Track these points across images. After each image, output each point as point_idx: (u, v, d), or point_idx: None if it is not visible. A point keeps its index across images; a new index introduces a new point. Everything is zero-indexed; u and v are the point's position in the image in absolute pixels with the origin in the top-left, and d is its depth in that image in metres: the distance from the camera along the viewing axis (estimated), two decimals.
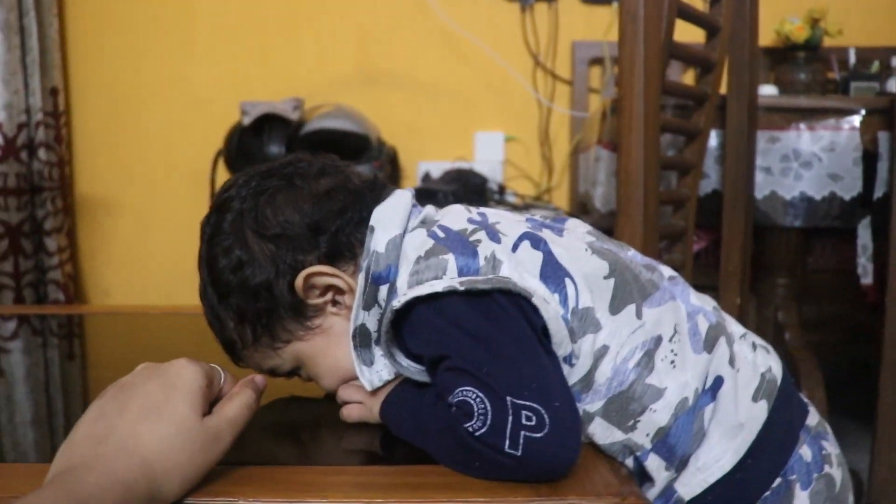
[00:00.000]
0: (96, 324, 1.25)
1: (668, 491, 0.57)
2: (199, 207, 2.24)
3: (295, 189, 0.62)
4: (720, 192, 1.31)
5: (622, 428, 0.56)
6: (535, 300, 0.53)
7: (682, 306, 0.61)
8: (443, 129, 2.15)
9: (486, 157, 2.12)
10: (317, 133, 1.87)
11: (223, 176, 1.95)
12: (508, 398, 0.47)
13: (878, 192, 1.26)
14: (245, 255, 0.61)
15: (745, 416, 0.58)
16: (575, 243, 0.60)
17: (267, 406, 0.64)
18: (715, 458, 0.57)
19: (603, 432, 0.56)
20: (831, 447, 0.63)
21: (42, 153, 2.15)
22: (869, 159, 1.29)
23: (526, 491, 0.45)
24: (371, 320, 0.60)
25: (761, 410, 0.59)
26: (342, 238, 0.61)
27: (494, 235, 0.58)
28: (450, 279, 0.54)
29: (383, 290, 0.58)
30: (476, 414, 0.47)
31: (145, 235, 2.27)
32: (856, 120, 1.30)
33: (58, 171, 2.20)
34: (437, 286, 0.53)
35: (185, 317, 1.15)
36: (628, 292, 0.58)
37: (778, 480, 0.59)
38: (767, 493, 0.58)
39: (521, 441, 0.46)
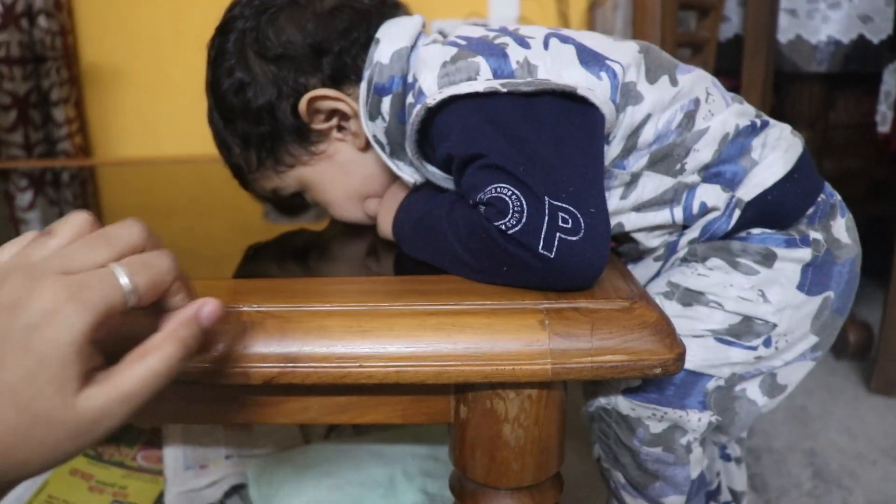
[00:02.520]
0: (110, 186, 1.26)
1: (729, 200, 0.59)
2: None
3: (298, 7, 0.60)
4: (741, 37, 1.25)
5: (671, 173, 0.58)
6: (580, 91, 0.51)
7: (708, 75, 0.62)
8: None
9: (500, 13, 2.05)
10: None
11: None
12: (546, 198, 0.45)
13: None
14: (247, 76, 0.60)
15: (790, 140, 0.61)
16: (599, 38, 0.59)
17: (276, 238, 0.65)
18: (768, 166, 0.59)
19: (653, 184, 0.58)
20: None
21: (42, 21, 2.09)
22: None
23: (535, 295, 0.46)
24: (378, 131, 0.59)
25: (799, 142, 0.62)
26: (347, 59, 0.60)
27: (521, 40, 0.55)
28: (486, 80, 0.51)
29: (385, 103, 0.57)
30: (511, 211, 0.45)
31: (155, 103, 2.24)
32: None
33: (60, 39, 2.15)
34: (477, 86, 0.51)
35: (201, 164, 1.15)
36: (659, 64, 0.58)
37: (822, 197, 0.61)
38: (817, 205, 0.61)
39: (556, 243, 0.44)
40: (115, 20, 2.23)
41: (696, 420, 0.61)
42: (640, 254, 0.66)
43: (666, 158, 0.58)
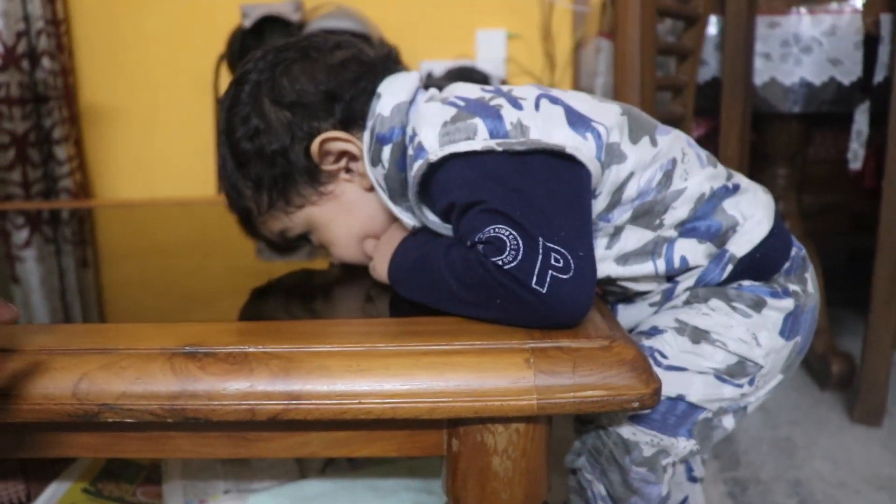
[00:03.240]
0: (107, 226, 1.27)
1: (721, 253, 0.64)
2: (204, 112, 2.25)
3: (311, 60, 0.66)
4: (719, 79, 1.31)
5: (650, 227, 0.62)
6: (568, 150, 0.56)
7: (683, 136, 0.67)
8: (444, 27, 2.13)
9: (488, 55, 2.11)
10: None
11: (226, 79, 1.95)
12: (540, 239, 0.49)
13: (879, 77, 1.26)
14: (262, 123, 0.64)
15: (764, 200, 0.67)
16: (586, 99, 0.63)
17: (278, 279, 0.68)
18: (756, 223, 0.64)
19: (635, 237, 0.62)
20: None
21: (46, 62, 2.14)
22: (870, 43, 1.28)
23: (521, 335, 0.49)
24: (379, 177, 0.64)
25: (771, 201, 0.67)
26: (356, 106, 0.65)
27: (514, 101, 0.59)
28: (483, 140, 0.55)
29: (385, 151, 0.62)
30: (508, 248, 0.49)
31: (151, 141, 2.29)
32: (858, 2, 1.28)
33: (62, 79, 2.20)
34: (475, 145, 0.55)
35: (196, 206, 1.18)
36: (640, 125, 0.63)
37: (795, 250, 0.67)
38: (792, 259, 0.66)
39: (548, 279, 0.48)
40: (112, 61, 2.28)
41: (682, 447, 0.66)
42: (631, 296, 0.70)
43: (647, 214, 0.62)
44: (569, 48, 2.12)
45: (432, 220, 0.62)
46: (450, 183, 0.57)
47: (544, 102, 0.59)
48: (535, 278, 0.48)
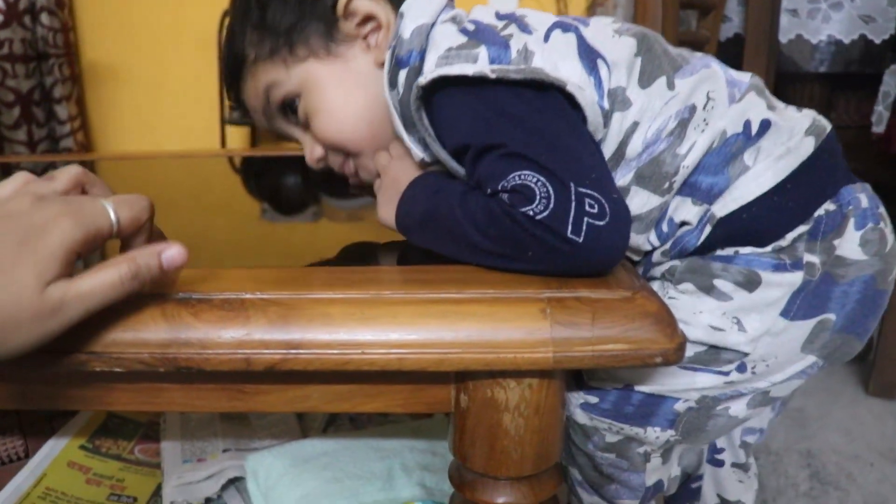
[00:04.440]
0: (109, 179, 1.26)
1: (703, 213, 0.55)
2: (208, 68, 2.20)
3: None
4: (742, 36, 1.26)
5: (658, 192, 0.55)
6: (569, 88, 0.51)
7: (720, 72, 0.57)
8: None
9: (501, 1, 2.06)
10: None
11: None
12: (572, 184, 0.45)
13: None
14: None
15: (794, 143, 0.55)
16: (602, 29, 0.58)
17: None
18: (754, 177, 0.54)
19: (640, 200, 0.55)
20: (886, 216, 0.58)
21: (45, 18, 2.10)
22: None
23: (537, 284, 0.46)
24: (395, 100, 0.60)
25: (809, 143, 0.55)
26: None
27: (525, 27, 0.55)
28: (481, 66, 0.52)
29: (402, 74, 0.58)
30: (538, 197, 0.45)
31: (155, 99, 2.25)
32: None
33: (62, 37, 2.16)
34: (468, 69, 0.51)
35: (197, 159, 1.15)
36: (657, 66, 0.56)
37: (832, 207, 0.54)
38: (818, 220, 0.54)
39: (584, 227, 0.44)
40: (114, 18, 2.23)
41: (654, 437, 0.60)
42: None
43: (654, 174, 0.55)
44: (583, 6, 2.06)
45: (445, 156, 0.57)
46: (457, 120, 0.53)
47: (556, 33, 0.55)
48: (570, 227, 0.44)
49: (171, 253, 0.43)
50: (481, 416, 0.47)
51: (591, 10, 1.99)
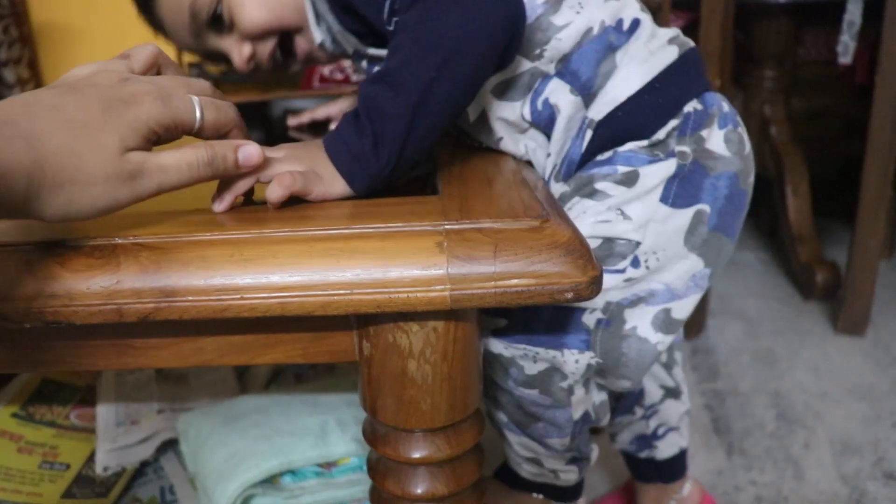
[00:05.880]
0: None
1: (581, 120, 0.57)
2: None
3: None
4: None
5: (529, 56, 0.56)
6: None
7: None
8: None
9: None
10: None
11: None
12: None
13: None
14: None
15: (657, 48, 0.58)
16: None
17: None
18: (622, 79, 0.57)
19: (512, 64, 0.56)
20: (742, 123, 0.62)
21: None
22: None
23: (435, 215, 0.42)
24: None
25: (672, 51, 0.59)
26: None
27: None
28: None
29: None
30: None
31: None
32: None
33: None
34: None
35: None
36: None
37: (699, 106, 0.58)
38: (688, 111, 0.58)
39: None
40: None
41: (573, 362, 0.58)
42: None
43: (528, 40, 0.56)
44: None
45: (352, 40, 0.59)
46: None
47: None
48: None
49: (249, 150, 0.44)
50: (385, 364, 0.44)
51: None
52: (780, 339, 1.36)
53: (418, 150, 0.48)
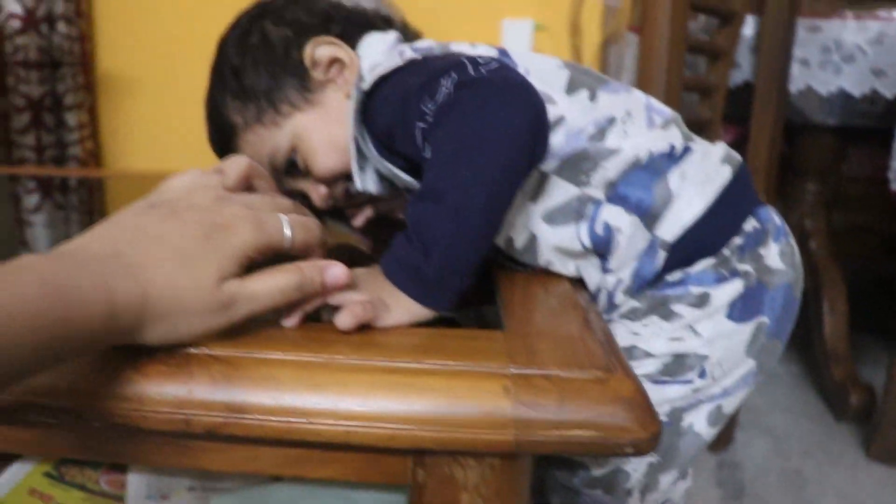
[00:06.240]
0: (116, 196, 1.27)
1: (652, 241, 0.60)
2: None
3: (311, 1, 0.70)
4: (751, 84, 1.23)
5: (576, 182, 0.59)
6: (467, 62, 0.55)
7: (641, 98, 0.63)
8: (469, 13, 2.05)
9: (513, 45, 2.03)
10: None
11: None
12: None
13: None
14: (259, 38, 0.67)
15: (712, 169, 0.61)
16: (527, 54, 0.63)
17: None
18: (686, 203, 0.59)
19: (560, 190, 0.59)
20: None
21: (62, 26, 2.10)
22: None
23: (502, 358, 0.42)
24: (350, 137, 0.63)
25: (726, 171, 0.62)
26: (350, 31, 0.68)
27: (455, 44, 0.63)
28: (407, 55, 0.59)
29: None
30: (441, 87, 0.52)
31: (166, 114, 2.24)
32: None
33: (79, 45, 2.16)
34: (397, 61, 0.59)
35: None
36: (582, 80, 0.61)
37: (755, 224, 0.62)
38: (749, 230, 0.62)
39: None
40: (132, 29, 2.23)
41: (637, 461, 0.63)
42: None
43: (574, 167, 0.59)
44: (597, 43, 2.04)
45: (388, 168, 0.62)
46: (383, 103, 0.59)
47: (482, 46, 0.63)
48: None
49: (336, 272, 0.45)
50: (438, 494, 0.44)
51: (605, 47, 1.98)
52: (809, 460, 1.33)
53: (470, 258, 0.49)
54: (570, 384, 0.41)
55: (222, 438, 0.42)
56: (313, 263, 0.45)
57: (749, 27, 1.23)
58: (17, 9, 2.03)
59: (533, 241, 0.61)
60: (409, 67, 0.59)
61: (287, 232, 0.45)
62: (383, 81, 0.59)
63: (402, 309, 0.48)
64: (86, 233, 0.41)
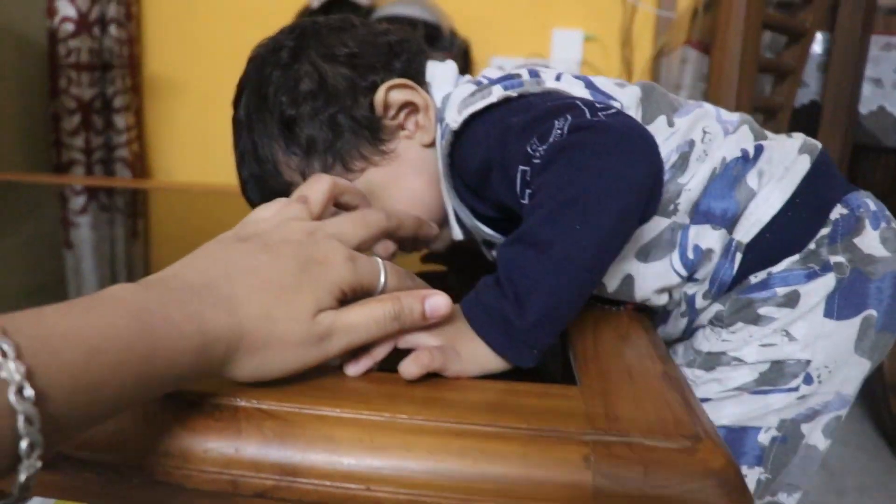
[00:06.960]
0: (160, 202, 1.26)
1: (728, 243, 0.57)
2: None
3: (350, 25, 0.62)
4: (819, 104, 1.17)
5: (665, 214, 0.57)
6: (582, 105, 0.51)
7: (712, 111, 0.61)
8: (519, 23, 2.02)
9: (563, 56, 1.99)
10: (387, 20, 1.78)
11: None
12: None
13: None
14: (314, 82, 0.58)
15: (790, 161, 0.58)
16: (606, 82, 0.60)
17: None
18: (764, 199, 0.57)
19: (650, 224, 0.56)
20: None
21: (112, 29, 2.12)
22: None
23: (580, 422, 0.39)
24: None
25: (804, 161, 0.59)
26: (414, 64, 0.62)
27: (535, 74, 0.58)
28: (498, 94, 0.54)
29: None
30: (554, 128, 0.48)
31: (210, 117, 2.24)
32: None
33: (127, 48, 2.18)
34: (492, 98, 0.54)
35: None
36: (657, 108, 0.59)
37: (844, 211, 0.58)
38: (835, 223, 0.57)
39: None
40: (179, 33, 2.25)
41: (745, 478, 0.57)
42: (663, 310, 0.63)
43: (664, 200, 0.56)
44: (648, 55, 1.99)
45: (480, 227, 0.59)
46: (476, 142, 0.55)
47: (566, 76, 0.59)
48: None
49: (436, 301, 0.43)
50: None
51: (657, 60, 1.92)
52: (865, 497, 1.27)
53: (565, 314, 0.45)
54: (654, 453, 0.37)
55: (272, 503, 0.39)
56: (415, 293, 0.43)
57: (818, 45, 1.17)
58: (70, 12, 2.06)
59: (629, 282, 0.58)
60: (505, 105, 0.54)
61: (381, 276, 0.44)
62: (472, 120, 0.55)
63: (475, 358, 0.44)
64: (175, 264, 0.39)
